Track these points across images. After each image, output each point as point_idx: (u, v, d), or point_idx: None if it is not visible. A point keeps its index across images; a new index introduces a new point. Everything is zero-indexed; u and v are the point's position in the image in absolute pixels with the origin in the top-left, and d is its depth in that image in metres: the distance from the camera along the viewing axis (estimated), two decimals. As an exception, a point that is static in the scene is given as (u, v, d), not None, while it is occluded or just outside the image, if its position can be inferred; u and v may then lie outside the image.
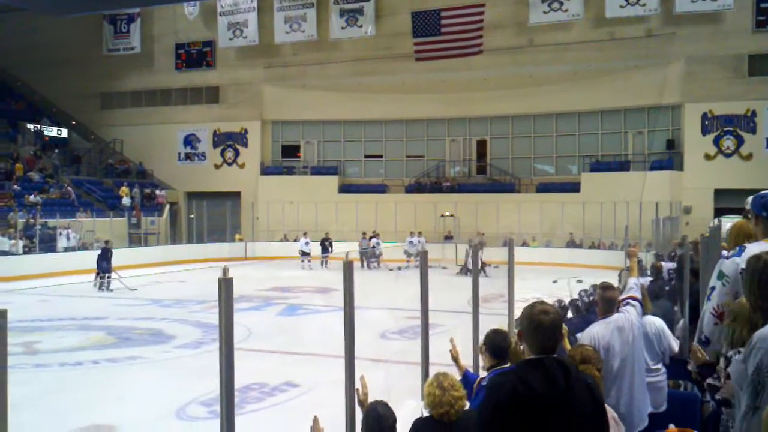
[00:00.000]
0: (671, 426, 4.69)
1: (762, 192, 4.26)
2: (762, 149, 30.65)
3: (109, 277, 23.30)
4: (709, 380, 3.84)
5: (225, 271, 3.11)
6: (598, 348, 5.13)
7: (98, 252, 24.40)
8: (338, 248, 30.39)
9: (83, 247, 29.86)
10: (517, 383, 2.92)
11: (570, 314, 9.29)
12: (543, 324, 3.03)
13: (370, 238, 31.81)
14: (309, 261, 30.93)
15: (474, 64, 33.86)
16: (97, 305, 19.60)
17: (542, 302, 3.18)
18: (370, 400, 4.28)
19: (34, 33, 39.07)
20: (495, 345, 4.69)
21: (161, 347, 14.04)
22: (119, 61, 40.50)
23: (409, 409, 4.72)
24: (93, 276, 23.75)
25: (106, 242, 25.02)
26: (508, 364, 4.64)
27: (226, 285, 3.08)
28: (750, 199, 4.33)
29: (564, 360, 3.08)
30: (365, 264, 30.23)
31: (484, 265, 25.69)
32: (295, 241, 35.26)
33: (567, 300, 10.45)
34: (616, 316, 5.38)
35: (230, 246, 34.47)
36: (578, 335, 5.49)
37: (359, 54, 36.11)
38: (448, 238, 32.98)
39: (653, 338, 5.88)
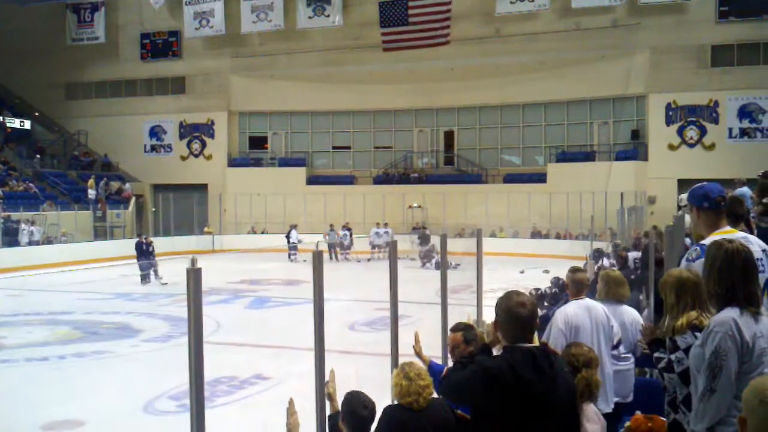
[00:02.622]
0: (637, 413, 4.77)
1: (698, 184, 4.32)
2: (724, 139, 31.13)
3: (147, 272, 22.74)
4: (657, 354, 3.96)
5: (193, 261, 3.09)
6: (569, 326, 5.25)
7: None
8: (305, 240, 30.25)
9: (48, 240, 29.45)
10: (507, 367, 3.03)
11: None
12: (520, 316, 3.11)
13: (344, 228, 31.65)
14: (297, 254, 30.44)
15: (441, 54, 33.90)
16: (63, 300, 19.35)
17: (518, 293, 3.23)
18: (340, 392, 4.30)
19: (-5, 22, 38.38)
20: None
21: (129, 341, 13.93)
22: (83, 51, 39.89)
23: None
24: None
25: (139, 235, 24.72)
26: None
27: (194, 275, 3.06)
28: (685, 194, 4.41)
29: (547, 348, 3.17)
30: (333, 256, 30.20)
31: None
32: (263, 233, 35.27)
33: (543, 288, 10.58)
34: (587, 299, 5.58)
35: (198, 238, 34.25)
36: (555, 316, 5.59)
37: (327, 44, 35.98)
38: (416, 228, 33.04)
39: (629, 327, 5.97)
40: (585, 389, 4.04)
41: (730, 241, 3.39)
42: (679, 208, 4.39)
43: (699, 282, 3.82)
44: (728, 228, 4.09)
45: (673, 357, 3.73)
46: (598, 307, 5.54)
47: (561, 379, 3.11)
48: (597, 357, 4.60)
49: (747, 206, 7.06)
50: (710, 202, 4.12)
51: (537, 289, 10.32)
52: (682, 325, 3.74)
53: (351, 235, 31.17)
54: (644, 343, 4.64)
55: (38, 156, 36.90)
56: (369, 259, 29.30)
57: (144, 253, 23.37)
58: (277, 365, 11.22)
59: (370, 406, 4.09)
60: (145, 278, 22.68)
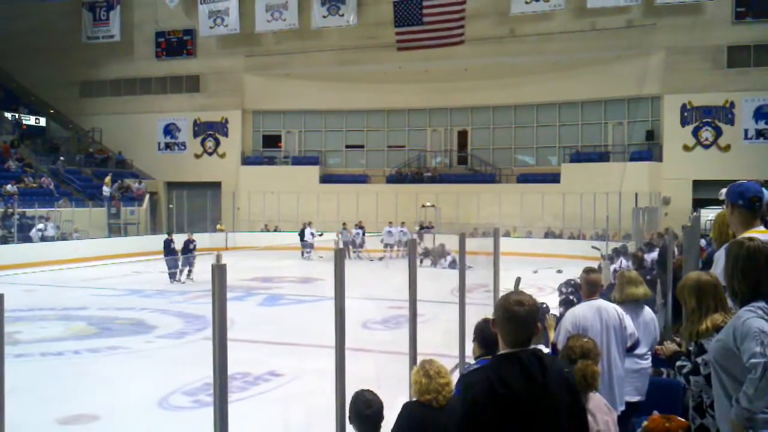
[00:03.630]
0: (655, 413, 4.76)
1: (738, 181, 4.32)
2: (740, 140, 30.91)
3: (173, 271, 22.26)
4: (679, 362, 3.96)
5: (218, 257, 3.11)
6: (577, 327, 5.23)
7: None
8: (318, 238, 30.35)
9: (62, 237, 29.56)
10: (494, 380, 2.88)
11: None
12: (517, 315, 2.96)
13: (357, 226, 31.65)
14: (311, 252, 30.44)
15: (455, 54, 33.82)
16: (77, 295, 19.44)
17: (519, 292, 3.12)
18: (357, 389, 4.30)
19: (13, 20, 38.55)
20: (484, 335, 4.72)
21: (143, 337, 13.98)
22: (98, 49, 40.07)
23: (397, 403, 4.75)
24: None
25: (168, 233, 24.52)
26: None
27: (219, 272, 3.08)
28: (725, 189, 4.41)
29: (538, 352, 3.02)
30: (346, 254, 30.19)
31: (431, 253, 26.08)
32: (275, 230, 35.35)
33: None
34: (599, 300, 5.53)
35: (211, 236, 34.25)
36: (564, 317, 5.59)
37: (341, 43, 35.98)
38: (428, 227, 33.00)
39: (650, 322, 5.96)
40: (581, 380, 4.04)
41: (751, 238, 3.38)
42: (720, 202, 4.39)
43: (718, 284, 3.83)
44: (762, 228, 4.07)
45: (699, 360, 3.71)
46: (611, 308, 5.49)
47: (555, 383, 2.95)
48: (596, 348, 4.58)
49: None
50: (744, 200, 4.12)
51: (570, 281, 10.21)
52: (707, 328, 3.71)
53: (363, 234, 31.19)
54: (666, 355, 4.67)
55: (62, 158, 37.12)
56: (381, 258, 29.30)
57: (173, 251, 22.97)
58: (290, 362, 11.24)
59: (374, 406, 4.08)
60: (173, 276, 22.37)
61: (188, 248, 23.26)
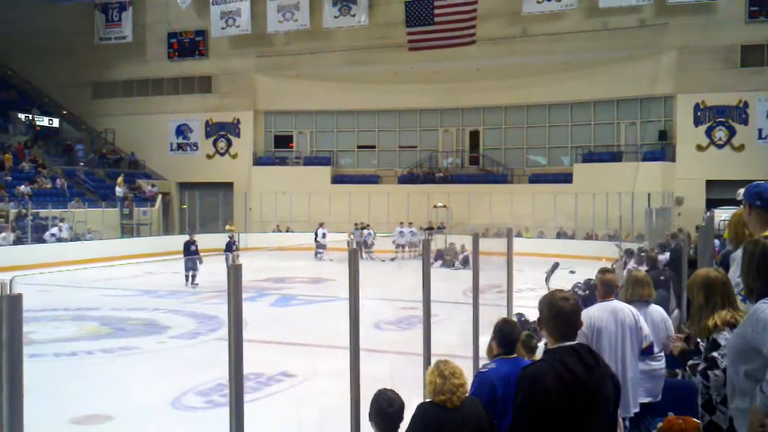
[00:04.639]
0: (670, 414, 4.74)
1: (756, 182, 4.31)
2: (754, 140, 30.73)
3: (193, 273, 21.55)
4: (691, 362, 3.96)
5: (234, 257, 3.13)
6: (591, 328, 5.19)
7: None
8: (330, 238, 30.36)
9: (75, 238, 29.68)
10: (560, 370, 3.07)
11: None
12: (563, 310, 3.16)
13: (362, 228, 31.70)
14: (323, 252, 30.22)
15: (467, 54, 33.74)
16: (90, 296, 19.52)
17: (562, 290, 3.33)
18: (370, 389, 4.30)
19: (26, 21, 38.73)
20: (503, 334, 4.72)
21: (156, 338, 14.03)
22: (111, 50, 40.22)
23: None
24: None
25: (189, 234, 24.15)
26: (515, 355, 4.68)
27: (235, 272, 3.10)
28: (742, 189, 4.40)
29: (588, 346, 3.26)
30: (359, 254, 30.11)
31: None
32: (287, 231, 35.38)
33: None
34: (614, 301, 5.50)
35: (223, 237, 34.26)
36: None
37: (352, 44, 35.98)
38: (440, 228, 32.97)
39: (660, 323, 5.92)
40: None
41: (767, 236, 3.40)
42: (734, 202, 4.41)
43: (726, 281, 3.86)
44: None
45: (716, 354, 3.69)
46: (626, 309, 5.44)
47: (607, 375, 3.20)
48: None
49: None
50: (762, 201, 4.12)
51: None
52: (716, 324, 3.72)
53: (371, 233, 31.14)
54: (676, 352, 4.66)
55: (82, 164, 37.35)
56: (393, 259, 29.28)
57: (193, 254, 22.30)
58: (303, 363, 11.24)
59: (396, 405, 4.08)
60: (191, 279, 21.79)
61: (231, 248, 23.19)
